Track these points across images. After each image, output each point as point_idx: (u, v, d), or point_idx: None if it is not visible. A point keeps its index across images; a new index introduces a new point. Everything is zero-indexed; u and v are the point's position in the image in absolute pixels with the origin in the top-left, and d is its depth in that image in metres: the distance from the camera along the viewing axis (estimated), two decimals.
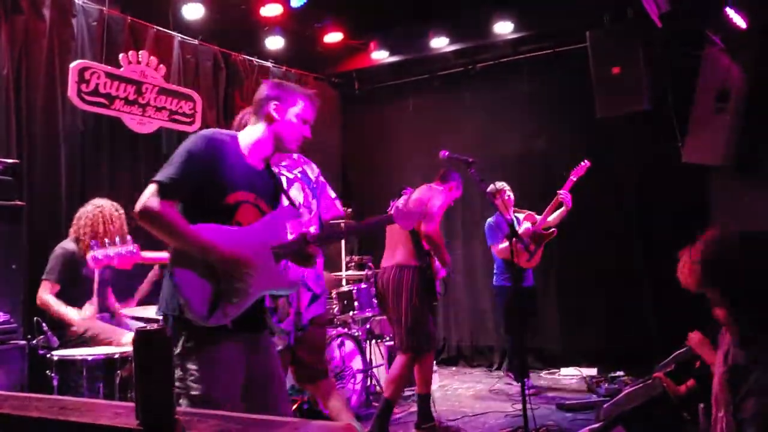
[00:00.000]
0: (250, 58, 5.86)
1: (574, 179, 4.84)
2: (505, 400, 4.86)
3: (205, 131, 2.07)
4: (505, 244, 4.85)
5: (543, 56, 5.94)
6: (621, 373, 4.93)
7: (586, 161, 4.87)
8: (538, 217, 5.00)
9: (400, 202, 2.30)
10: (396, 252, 4.01)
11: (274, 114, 2.12)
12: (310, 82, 6.54)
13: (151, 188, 1.94)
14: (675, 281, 2.16)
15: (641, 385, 3.32)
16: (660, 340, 5.19)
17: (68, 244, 3.50)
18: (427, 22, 5.85)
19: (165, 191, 1.93)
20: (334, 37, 5.77)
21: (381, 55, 6.26)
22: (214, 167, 1.99)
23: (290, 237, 2.19)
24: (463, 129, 6.26)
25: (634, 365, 4.93)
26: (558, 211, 4.94)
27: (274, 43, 5.67)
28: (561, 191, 4.84)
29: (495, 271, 5.24)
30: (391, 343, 4.99)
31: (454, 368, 6.22)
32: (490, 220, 5.20)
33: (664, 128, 4.92)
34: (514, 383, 5.16)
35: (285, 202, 2.24)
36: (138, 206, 1.94)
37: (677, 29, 4.31)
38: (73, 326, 3.31)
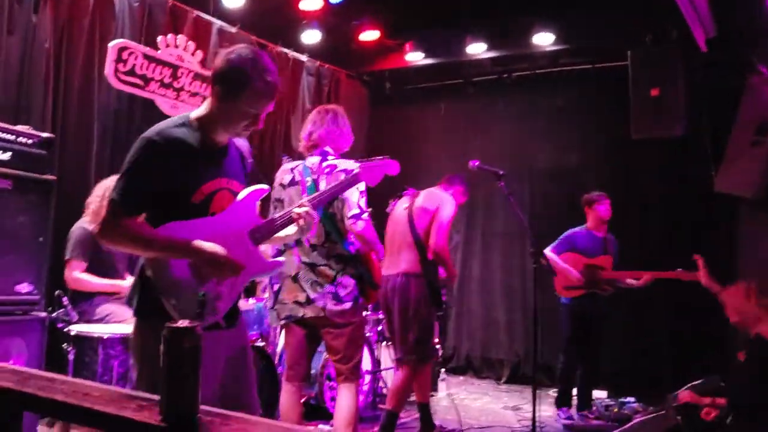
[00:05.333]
0: (286, 51, 5.87)
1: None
2: (512, 414, 4.82)
3: (149, 133, 1.86)
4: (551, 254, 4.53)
5: (581, 71, 5.88)
6: (632, 399, 4.84)
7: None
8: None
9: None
10: (400, 259, 3.82)
11: (222, 100, 1.89)
12: (342, 78, 6.54)
13: (107, 208, 1.85)
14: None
15: (654, 415, 3.26)
16: (673, 369, 5.11)
17: (85, 224, 3.49)
18: (466, 27, 5.80)
19: (120, 207, 1.81)
20: (370, 36, 5.76)
21: (415, 57, 6.22)
22: (168, 169, 1.83)
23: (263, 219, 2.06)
24: (493, 137, 6.21)
25: (646, 392, 4.85)
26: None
27: (311, 37, 5.67)
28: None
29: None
30: None
31: (461, 378, 6.19)
32: (577, 229, 4.69)
33: (698, 155, 4.82)
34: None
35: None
36: (95, 227, 1.87)
37: (722, 55, 4.21)
38: (120, 293, 3.38)
